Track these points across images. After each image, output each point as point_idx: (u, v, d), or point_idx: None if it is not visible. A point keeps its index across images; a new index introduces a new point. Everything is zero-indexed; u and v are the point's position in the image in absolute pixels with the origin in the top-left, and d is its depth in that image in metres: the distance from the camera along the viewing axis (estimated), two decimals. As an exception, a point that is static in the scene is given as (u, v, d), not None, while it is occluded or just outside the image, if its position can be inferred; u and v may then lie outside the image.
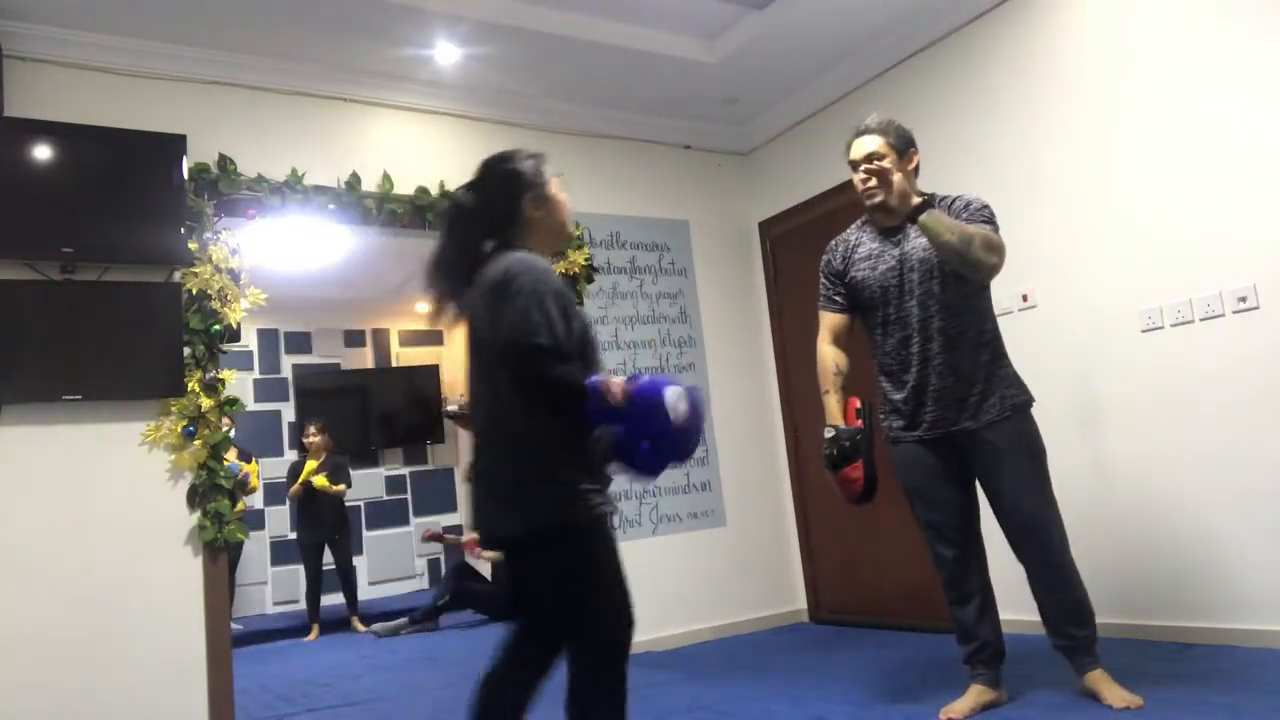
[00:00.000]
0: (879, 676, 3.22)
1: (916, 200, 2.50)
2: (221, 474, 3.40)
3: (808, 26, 3.97)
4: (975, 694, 2.61)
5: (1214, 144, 3.06)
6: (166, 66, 3.59)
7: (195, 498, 3.35)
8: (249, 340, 7.56)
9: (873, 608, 4.34)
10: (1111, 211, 3.35)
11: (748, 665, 3.73)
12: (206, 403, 3.38)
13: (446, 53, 3.88)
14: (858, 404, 2.70)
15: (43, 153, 3.26)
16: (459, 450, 8.31)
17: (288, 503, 6.77)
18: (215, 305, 3.46)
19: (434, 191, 4.03)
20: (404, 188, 3.98)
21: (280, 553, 7.42)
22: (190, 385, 3.36)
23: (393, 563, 7.98)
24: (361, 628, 6.08)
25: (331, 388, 7.93)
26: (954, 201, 2.63)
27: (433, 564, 8.13)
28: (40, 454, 3.16)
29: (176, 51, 3.59)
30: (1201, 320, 3.09)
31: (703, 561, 4.50)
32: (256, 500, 7.19)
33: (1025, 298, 3.61)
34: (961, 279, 2.56)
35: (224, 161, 3.58)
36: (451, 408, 7.96)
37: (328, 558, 6.25)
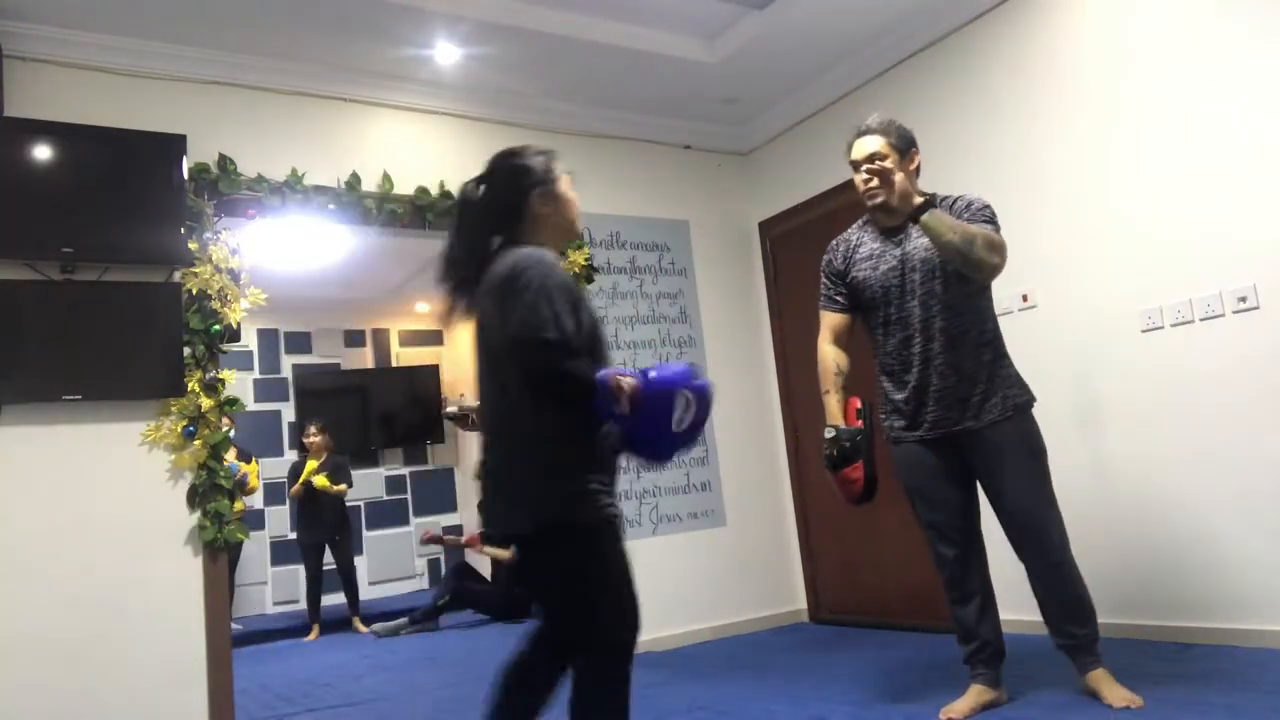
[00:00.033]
0: (879, 676, 3.22)
1: (918, 200, 2.50)
2: (221, 474, 3.40)
3: (808, 26, 3.97)
4: (975, 694, 2.61)
5: (1214, 144, 3.06)
6: (166, 66, 3.59)
7: (195, 498, 3.35)
8: (249, 340, 7.57)
9: (873, 608, 4.34)
10: (1111, 211, 3.35)
11: (748, 665, 3.73)
12: (206, 403, 3.38)
13: (446, 53, 3.88)
14: (858, 404, 2.70)
15: (43, 153, 3.26)
16: (459, 450, 8.31)
17: (288, 503, 6.77)
18: (215, 305, 3.46)
19: (434, 191, 4.03)
20: (404, 188, 3.98)
21: (280, 553, 7.42)
22: (190, 385, 3.36)
23: (393, 563, 7.98)
24: (363, 628, 6.08)
25: (331, 388, 7.94)
26: (955, 201, 2.63)
27: (433, 564, 8.13)
28: (40, 454, 3.16)
29: (176, 51, 3.59)
30: (1201, 320, 3.09)
31: (703, 561, 4.50)
32: (256, 500, 7.20)
33: (1025, 298, 3.61)
34: (963, 279, 2.56)
35: (224, 161, 3.58)
36: (451, 409, 7.97)
37: (328, 558, 6.25)
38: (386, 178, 3.94)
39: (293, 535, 6.74)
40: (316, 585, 6.18)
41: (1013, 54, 3.68)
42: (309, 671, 4.73)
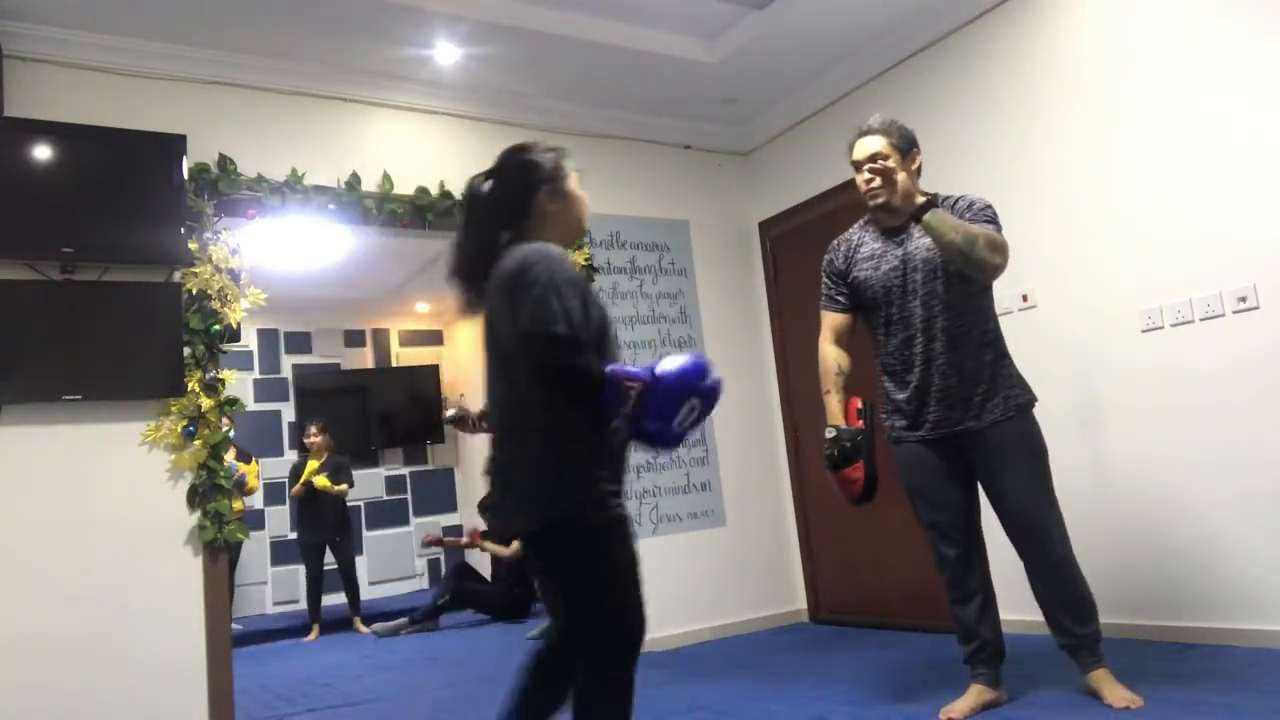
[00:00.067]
0: (879, 676, 3.22)
1: (920, 200, 2.50)
2: (221, 474, 3.40)
3: (808, 26, 3.97)
4: (975, 694, 2.61)
5: (1214, 144, 3.06)
6: (166, 66, 3.59)
7: (195, 498, 3.35)
8: (249, 340, 7.57)
9: (873, 608, 4.34)
10: (1111, 211, 3.35)
11: (748, 665, 3.73)
12: (206, 403, 3.38)
13: (446, 53, 3.88)
14: (859, 404, 2.70)
15: (43, 153, 3.26)
16: (459, 450, 8.32)
17: (288, 502, 6.77)
18: (215, 305, 3.46)
19: (434, 191, 4.03)
20: (404, 188, 3.98)
21: (280, 553, 7.42)
22: (190, 385, 3.36)
23: (393, 563, 7.98)
24: (363, 628, 6.08)
25: (331, 388, 7.94)
26: (956, 201, 2.63)
27: (433, 564, 8.13)
28: (40, 454, 3.16)
29: (176, 51, 3.58)
30: (1201, 320, 3.09)
31: (703, 561, 4.50)
32: (256, 500, 7.20)
33: (1025, 298, 3.61)
34: (965, 279, 2.56)
35: (224, 161, 3.58)
36: (450, 411, 7.95)
37: (329, 558, 6.24)
38: (386, 178, 3.94)
39: (293, 535, 6.74)
40: (317, 585, 6.18)
41: (1013, 54, 3.68)
42: (309, 671, 4.73)
